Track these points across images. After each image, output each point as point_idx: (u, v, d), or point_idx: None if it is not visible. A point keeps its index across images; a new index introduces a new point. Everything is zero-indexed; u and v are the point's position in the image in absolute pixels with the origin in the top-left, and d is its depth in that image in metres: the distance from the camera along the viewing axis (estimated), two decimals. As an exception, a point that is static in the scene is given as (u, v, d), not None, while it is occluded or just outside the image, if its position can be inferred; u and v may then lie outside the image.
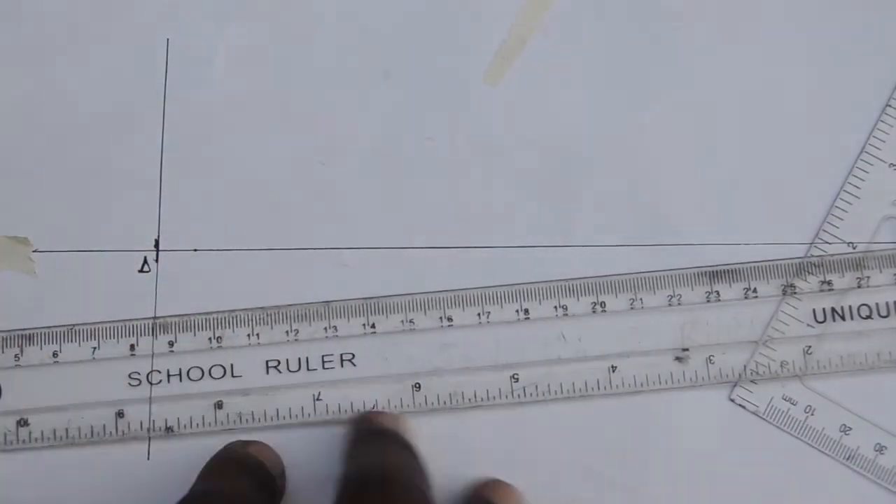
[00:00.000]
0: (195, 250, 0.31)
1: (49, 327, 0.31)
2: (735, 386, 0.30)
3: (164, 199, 0.31)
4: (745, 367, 0.30)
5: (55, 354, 0.31)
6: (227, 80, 0.32)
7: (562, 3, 0.33)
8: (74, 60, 0.32)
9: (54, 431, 0.30)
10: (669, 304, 0.31)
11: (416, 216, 0.32)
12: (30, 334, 0.31)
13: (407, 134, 0.32)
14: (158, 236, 0.31)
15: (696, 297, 0.31)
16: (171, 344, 0.31)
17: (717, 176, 0.32)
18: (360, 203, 0.32)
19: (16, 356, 0.31)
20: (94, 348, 0.31)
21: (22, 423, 0.30)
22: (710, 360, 0.30)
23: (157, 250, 0.31)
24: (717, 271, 0.31)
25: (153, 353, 0.30)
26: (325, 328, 0.31)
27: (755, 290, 0.30)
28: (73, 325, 0.31)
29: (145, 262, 0.31)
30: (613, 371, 0.30)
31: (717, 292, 0.30)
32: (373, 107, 0.32)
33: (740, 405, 0.30)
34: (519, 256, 0.31)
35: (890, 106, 0.32)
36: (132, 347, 0.31)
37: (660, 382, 0.30)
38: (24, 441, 0.30)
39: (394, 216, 0.32)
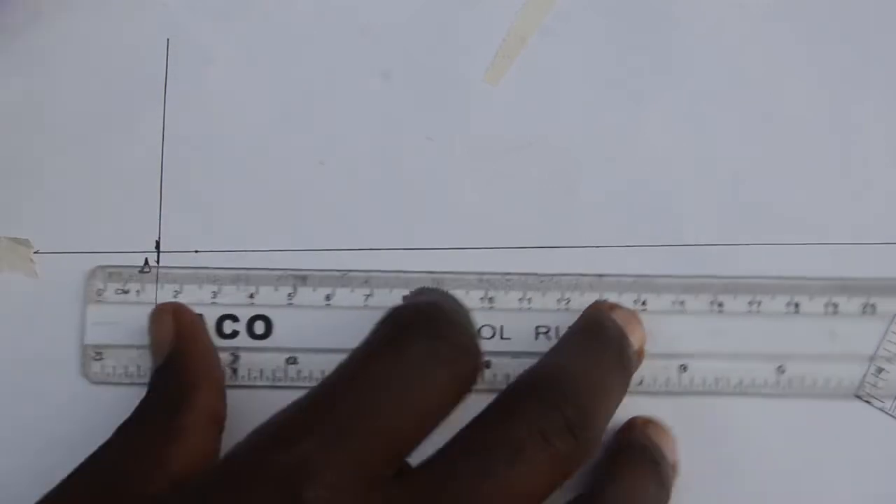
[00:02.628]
0: (196, 251, 0.31)
1: (323, 270, 0.31)
2: None
3: (164, 199, 0.32)
4: None
5: (328, 298, 0.31)
6: (227, 81, 0.33)
7: (563, 2, 0.33)
8: (75, 61, 0.32)
9: (322, 372, 0.30)
10: (940, 313, 0.31)
11: (416, 216, 0.32)
12: (304, 276, 0.31)
13: (407, 134, 0.32)
14: (159, 237, 0.31)
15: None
16: (443, 299, 0.31)
17: (718, 177, 0.32)
18: (360, 203, 0.32)
19: (289, 295, 0.31)
20: (367, 296, 0.31)
21: (291, 360, 0.31)
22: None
23: (158, 251, 0.31)
24: None
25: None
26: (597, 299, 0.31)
27: None
28: (348, 272, 0.31)
29: (146, 263, 0.31)
30: (879, 374, 0.30)
31: None
32: (372, 107, 0.32)
33: None
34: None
35: None
36: (404, 299, 0.31)
37: (924, 389, 0.30)
38: (291, 379, 0.30)
39: (394, 217, 0.32)
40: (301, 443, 0.22)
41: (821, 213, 0.32)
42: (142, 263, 0.31)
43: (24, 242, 0.31)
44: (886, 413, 0.30)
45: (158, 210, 0.32)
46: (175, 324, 0.29)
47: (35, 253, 0.31)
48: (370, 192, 0.32)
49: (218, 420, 0.28)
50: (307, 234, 0.32)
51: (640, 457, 0.28)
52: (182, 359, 0.28)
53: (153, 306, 0.30)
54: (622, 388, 0.27)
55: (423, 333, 0.23)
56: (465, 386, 0.24)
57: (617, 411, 0.29)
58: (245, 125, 0.32)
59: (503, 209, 0.32)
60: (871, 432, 0.30)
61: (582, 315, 0.29)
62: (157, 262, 0.31)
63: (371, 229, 0.32)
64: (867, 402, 0.30)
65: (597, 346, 0.27)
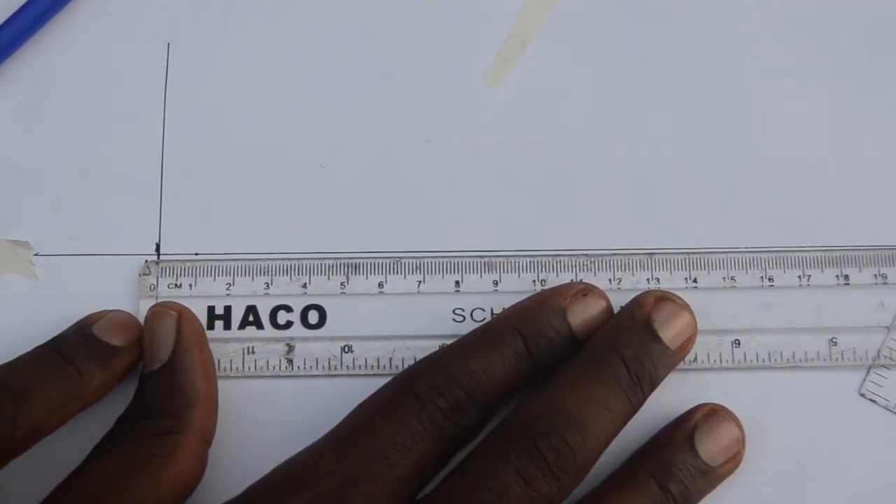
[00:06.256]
0: (196, 254, 0.31)
1: (375, 257, 0.31)
2: None
3: (165, 202, 0.32)
4: None
5: (380, 285, 0.31)
6: (227, 84, 0.33)
7: (563, 4, 0.33)
8: (76, 64, 0.33)
9: (378, 360, 0.31)
10: None
11: (416, 219, 0.32)
12: (356, 263, 0.31)
13: (407, 136, 0.32)
14: (159, 240, 0.31)
15: None
16: (495, 283, 0.31)
17: (720, 178, 0.32)
18: (361, 206, 0.32)
19: (342, 284, 0.31)
20: (420, 282, 0.31)
21: (346, 349, 0.31)
22: None
23: (158, 254, 0.31)
24: None
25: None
26: (648, 279, 0.31)
27: None
28: (400, 258, 0.31)
29: (146, 265, 0.31)
30: (929, 342, 0.31)
31: None
32: (373, 109, 0.32)
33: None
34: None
35: None
36: (457, 284, 0.31)
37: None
38: (347, 367, 0.31)
39: (394, 219, 0.32)
40: (315, 487, 0.24)
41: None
42: (142, 265, 0.31)
43: (25, 245, 0.31)
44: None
45: (159, 213, 0.32)
46: (178, 330, 0.29)
47: (35, 255, 0.31)
48: (371, 195, 0.32)
49: (209, 437, 0.28)
50: (307, 235, 0.32)
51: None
52: (181, 375, 0.28)
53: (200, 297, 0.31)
54: (626, 409, 0.27)
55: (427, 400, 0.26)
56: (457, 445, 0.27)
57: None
58: (245, 129, 0.32)
59: (503, 211, 0.32)
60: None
61: (593, 337, 0.29)
62: (158, 264, 0.31)
63: (372, 231, 0.32)
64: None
65: (597, 376, 0.27)
